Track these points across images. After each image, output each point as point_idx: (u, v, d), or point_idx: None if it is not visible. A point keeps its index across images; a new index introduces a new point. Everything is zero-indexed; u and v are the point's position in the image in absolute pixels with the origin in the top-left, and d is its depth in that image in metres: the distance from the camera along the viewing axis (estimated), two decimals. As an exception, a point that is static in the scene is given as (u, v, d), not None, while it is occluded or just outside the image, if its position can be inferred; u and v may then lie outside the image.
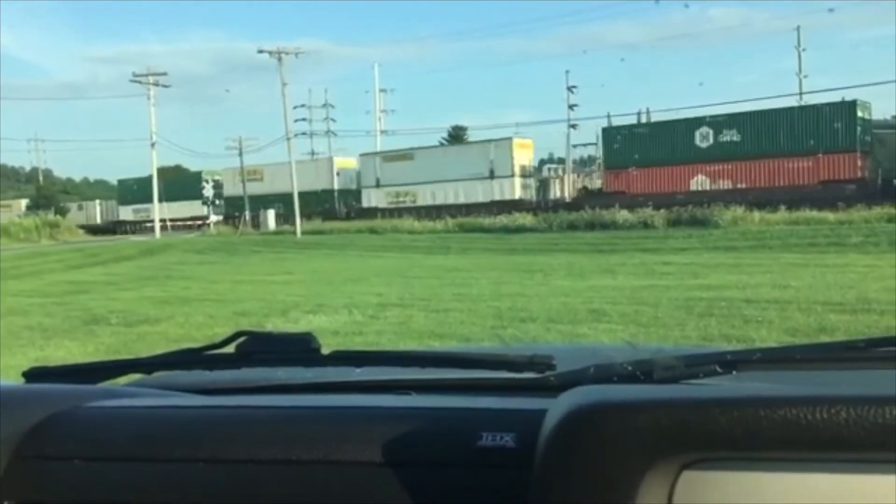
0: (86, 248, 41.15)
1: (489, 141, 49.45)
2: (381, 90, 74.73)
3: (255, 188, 57.98)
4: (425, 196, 49.75)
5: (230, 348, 1.30)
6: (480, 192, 47.76)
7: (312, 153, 76.75)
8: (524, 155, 49.12)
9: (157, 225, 55.44)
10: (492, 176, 47.92)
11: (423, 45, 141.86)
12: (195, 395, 1.33)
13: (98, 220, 69.67)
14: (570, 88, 62.62)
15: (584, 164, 57.94)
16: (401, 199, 50.96)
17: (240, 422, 1.14)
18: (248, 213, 55.16)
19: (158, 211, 57.56)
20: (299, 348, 1.30)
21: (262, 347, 1.30)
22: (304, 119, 72.91)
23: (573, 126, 59.55)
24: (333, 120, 76.95)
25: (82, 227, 65.29)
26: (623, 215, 35.90)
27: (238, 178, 59.26)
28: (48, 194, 78.71)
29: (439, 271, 22.93)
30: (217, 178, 63.01)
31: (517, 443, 0.99)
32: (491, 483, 0.98)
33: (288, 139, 51.60)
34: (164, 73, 57.52)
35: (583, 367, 1.16)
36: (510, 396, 1.19)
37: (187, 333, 12.02)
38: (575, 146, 59.75)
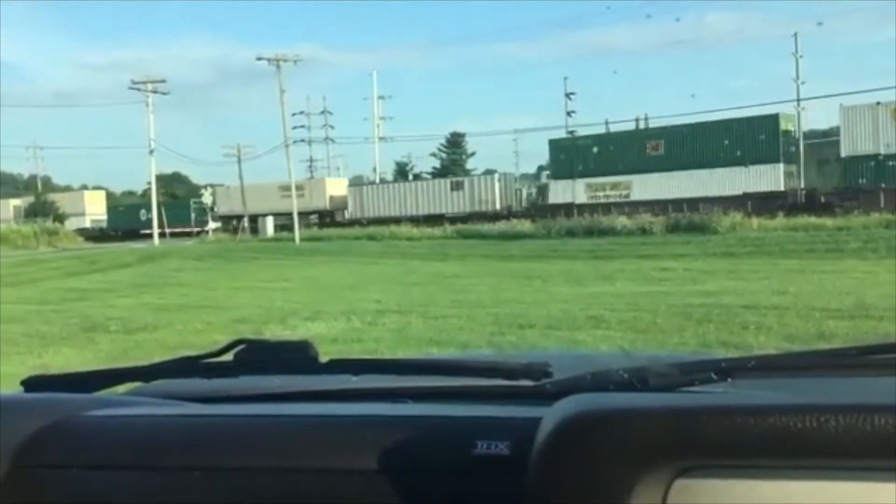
0: (84, 256, 41.13)
1: None
2: (380, 97, 74.68)
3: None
4: None
5: (228, 356, 1.31)
6: None
7: (310, 160, 76.69)
8: None
9: (156, 231, 55.36)
10: None
11: (421, 52, 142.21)
12: (193, 403, 1.33)
13: (496, 205, 46.88)
14: (568, 95, 62.80)
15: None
16: None
17: (237, 430, 1.15)
18: (246, 220, 55.11)
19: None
20: (297, 356, 1.30)
21: (259, 355, 1.30)
22: (302, 126, 72.81)
23: (571, 132, 59.67)
24: (332, 127, 76.82)
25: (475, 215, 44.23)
26: (621, 221, 35.99)
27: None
28: (47, 201, 76.61)
29: (437, 278, 22.92)
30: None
31: (512, 451, 1.00)
32: (486, 491, 0.98)
33: (286, 146, 51.65)
34: (163, 81, 57.51)
35: (579, 375, 1.17)
36: (506, 404, 1.20)
37: (186, 340, 12.00)
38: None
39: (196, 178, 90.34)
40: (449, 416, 1.13)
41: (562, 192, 43.54)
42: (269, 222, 53.29)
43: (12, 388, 1.37)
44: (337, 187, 57.03)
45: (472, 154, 75.30)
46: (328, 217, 55.34)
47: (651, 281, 19.23)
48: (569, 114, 61.98)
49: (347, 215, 53.01)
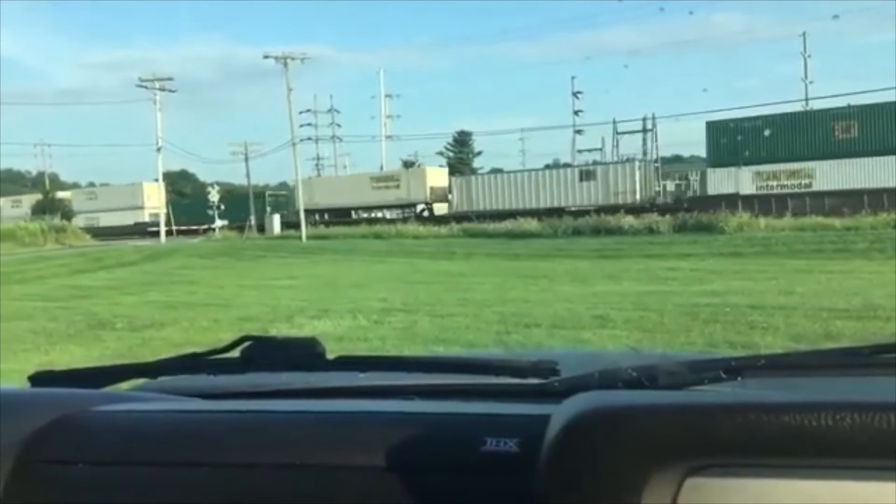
0: (90, 253, 41.22)
1: None
2: (387, 95, 74.68)
3: None
4: None
5: (235, 353, 1.30)
6: None
7: (317, 158, 76.77)
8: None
9: (163, 228, 55.42)
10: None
11: (427, 51, 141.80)
12: (200, 399, 1.33)
13: (636, 197, 41.17)
14: (575, 94, 62.83)
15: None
16: None
17: (244, 426, 1.14)
18: (252, 218, 55.09)
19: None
20: (304, 353, 1.30)
21: (266, 352, 1.30)
22: (309, 124, 72.93)
23: (579, 132, 59.71)
24: (339, 125, 76.90)
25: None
26: (628, 221, 35.92)
27: None
28: (54, 198, 75.23)
29: (443, 276, 22.93)
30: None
31: (521, 448, 0.99)
32: (495, 488, 0.98)
33: (293, 144, 51.69)
34: (170, 79, 57.51)
35: (587, 373, 1.16)
36: (514, 402, 1.19)
37: (192, 338, 12.03)
38: (580, 151, 59.94)
39: (203, 175, 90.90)
40: (457, 413, 1.13)
41: (723, 181, 37.53)
42: (276, 220, 53.19)
43: (19, 384, 1.37)
44: (437, 178, 50.22)
45: (479, 153, 75.37)
46: (427, 210, 49.03)
47: (657, 280, 19.21)
48: (576, 113, 62.02)
49: (452, 208, 46.96)
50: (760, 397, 0.87)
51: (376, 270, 26.50)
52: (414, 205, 49.93)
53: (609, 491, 0.84)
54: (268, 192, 60.11)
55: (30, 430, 1.14)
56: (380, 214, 51.27)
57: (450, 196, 48.37)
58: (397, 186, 50.62)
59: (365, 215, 51.19)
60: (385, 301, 16.23)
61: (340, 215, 49.68)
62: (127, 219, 64.30)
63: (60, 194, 73.07)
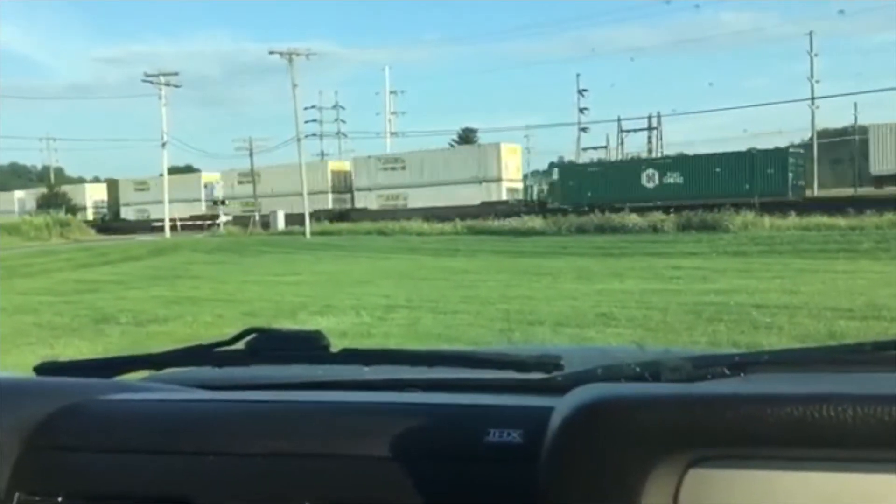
0: (95, 248, 41.25)
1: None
2: (392, 92, 74.47)
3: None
4: None
5: (240, 345, 1.31)
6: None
7: (322, 154, 76.73)
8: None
9: (167, 223, 55.43)
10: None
11: (433, 48, 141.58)
12: (206, 390, 1.33)
13: None
14: (580, 92, 62.57)
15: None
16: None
17: (250, 415, 1.15)
18: (257, 214, 55.04)
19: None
20: (309, 346, 1.30)
21: (272, 344, 1.30)
22: (314, 120, 72.83)
23: (584, 129, 59.54)
24: (343, 121, 76.73)
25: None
26: (633, 219, 35.83)
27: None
28: (59, 192, 75.23)
29: (447, 273, 22.90)
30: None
31: (524, 439, 1.00)
32: (498, 478, 0.98)
33: (298, 140, 51.67)
34: (176, 74, 57.59)
35: (590, 368, 1.16)
36: (518, 395, 1.20)
37: (196, 333, 12.04)
38: (585, 149, 59.74)
39: (208, 171, 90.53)
40: (461, 404, 1.13)
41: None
42: (280, 216, 53.15)
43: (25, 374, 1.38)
44: None
45: (484, 150, 74.87)
46: None
47: (662, 279, 19.16)
48: (581, 110, 61.80)
49: None
50: (762, 389, 0.87)
51: (380, 267, 26.47)
52: None
53: (611, 481, 0.84)
54: (790, 149, 41.35)
55: (36, 417, 1.15)
56: None
57: None
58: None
59: None
60: (389, 298, 16.23)
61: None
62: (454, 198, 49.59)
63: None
